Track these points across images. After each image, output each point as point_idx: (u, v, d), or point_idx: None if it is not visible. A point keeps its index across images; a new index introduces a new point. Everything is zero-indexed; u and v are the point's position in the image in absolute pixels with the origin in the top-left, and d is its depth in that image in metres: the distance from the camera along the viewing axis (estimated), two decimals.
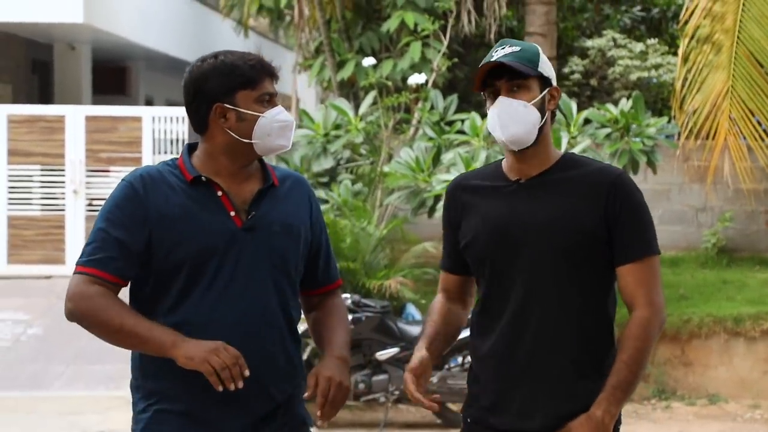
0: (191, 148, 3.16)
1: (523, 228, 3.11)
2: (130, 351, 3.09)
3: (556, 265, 3.08)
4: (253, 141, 3.05)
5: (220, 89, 3.03)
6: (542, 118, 3.12)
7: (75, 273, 3.01)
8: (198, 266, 3.01)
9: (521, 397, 3.12)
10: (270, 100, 3.08)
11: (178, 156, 3.16)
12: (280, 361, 3.11)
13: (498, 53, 3.13)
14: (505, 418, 3.15)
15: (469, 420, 3.25)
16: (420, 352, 3.19)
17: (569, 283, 3.09)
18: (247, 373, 2.91)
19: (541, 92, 3.12)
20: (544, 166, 3.16)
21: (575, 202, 3.09)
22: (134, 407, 3.12)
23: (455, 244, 3.26)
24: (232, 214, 3.05)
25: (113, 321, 2.96)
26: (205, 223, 3.02)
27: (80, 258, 3.03)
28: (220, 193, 3.06)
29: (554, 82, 3.18)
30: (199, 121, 3.09)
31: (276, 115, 3.06)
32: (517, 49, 3.13)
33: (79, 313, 2.98)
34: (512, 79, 3.10)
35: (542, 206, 3.11)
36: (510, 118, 3.09)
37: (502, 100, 3.10)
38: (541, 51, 3.20)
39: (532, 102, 3.10)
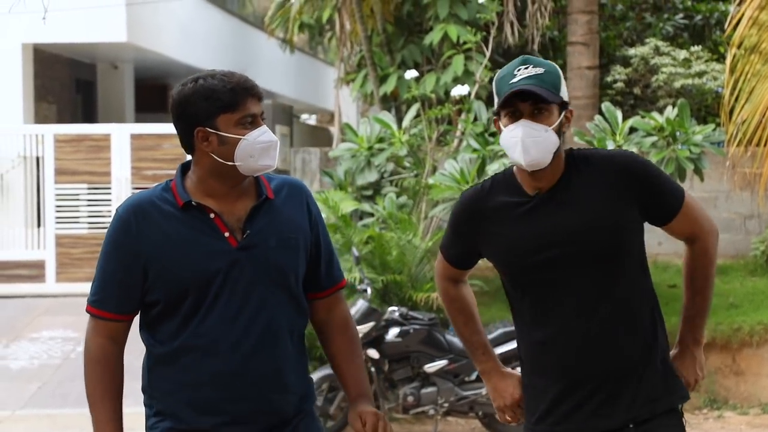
0: (185, 168, 3.18)
1: (561, 238, 3.17)
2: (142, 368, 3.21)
3: (602, 264, 3.17)
4: (236, 163, 3.05)
5: (201, 113, 3.04)
6: (559, 141, 3.17)
7: (87, 311, 3.16)
8: (198, 291, 3.05)
9: (600, 399, 3.20)
10: (253, 122, 3.07)
11: (173, 178, 3.18)
12: (286, 375, 3.14)
13: (521, 73, 3.17)
14: (580, 423, 3.22)
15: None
16: (504, 382, 3.44)
17: (615, 277, 3.18)
18: None
19: (559, 116, 3.18)
20: (558, 175, 3.23)
21: (601, 198, 3.19)
22: (146, 421, 3.21)
23: (465, 251, 3.39)
24: (227, 235, 3.07)
25: (90, 397, 3.13)
26: (200, 248, 3.06)
27: (89, 295, 3.16)
28: (212, 215, 3.08)
29: (569, 104, 3.25)
30: (185, 144, 3.12)
31: (258, 137, 3.06)
32: (541, 71, 3.17)
33: (83, 367, 3.16)
34: (537, 103, 3.15)
35: (572, 213, 3.19)
36: (533, 143, 3.14)
37: (525, 125, 3.15)
38: (560, 71, 3.24)
39: (552, 127, 3.15)
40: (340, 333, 3.31)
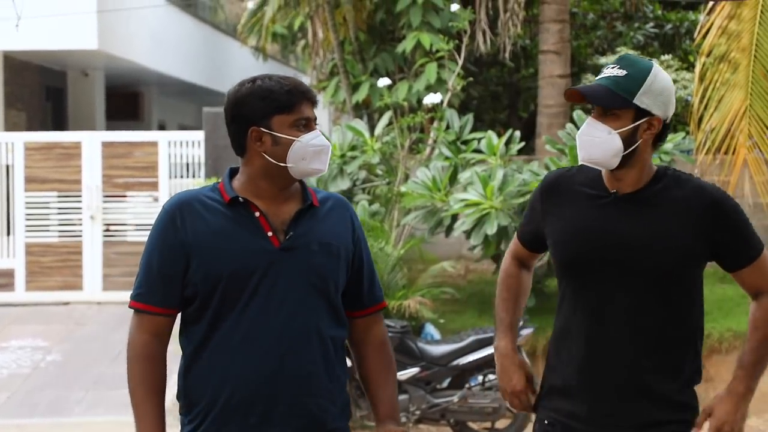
0: (233, 172, 3.22)
1: (618, 242, 3.19)
2: (177, 375, 3.20)
3: (646, 281, 3.18)
4: (287, 165, 3.09)
5: (256, 113, 3.09)
6: (632, 146, 3.15)
7: (130, 306, 3.16)
8: (235, 286, 3.06)
9: (613, 406, 3.22)
10: (307, 125, 3.11)
11: (220, 180, 3.23)
12: (322, 380, 3.14)
13: (606, 72, 3.18)
14: (597, 425, 3.25)
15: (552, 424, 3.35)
16: (512, 366, 3.45)
17: (656, 297, 3.19)
18: None
19: (634, 122, 3.15)
20: (641, 182, 3.23)
21: (674, 221, 3.18)
22: (181, 429, 3.21)
23: (534, 229, 3.42)
24: (270, 234, 3.10)
25: (133, 395, 3.13)
26: (242, 244, 3.08)
27: (133, 289, 3.17)
28: (257, 214, 3.11)
29: (657, 111, 3.17)
30: (237, 144, 3.16)
31: (311, 139, 3.10)
32: (622, 74, 3.16)
33: (126, 363, 3.15)
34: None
35: (639, 223, 3.20)
36: (590, 142, 3.17)
37: (589, 123, 3.19)
38: (653, 77, 3.17)
39: (619, 130, 3.14)
40: (378, 355, 3.34)
